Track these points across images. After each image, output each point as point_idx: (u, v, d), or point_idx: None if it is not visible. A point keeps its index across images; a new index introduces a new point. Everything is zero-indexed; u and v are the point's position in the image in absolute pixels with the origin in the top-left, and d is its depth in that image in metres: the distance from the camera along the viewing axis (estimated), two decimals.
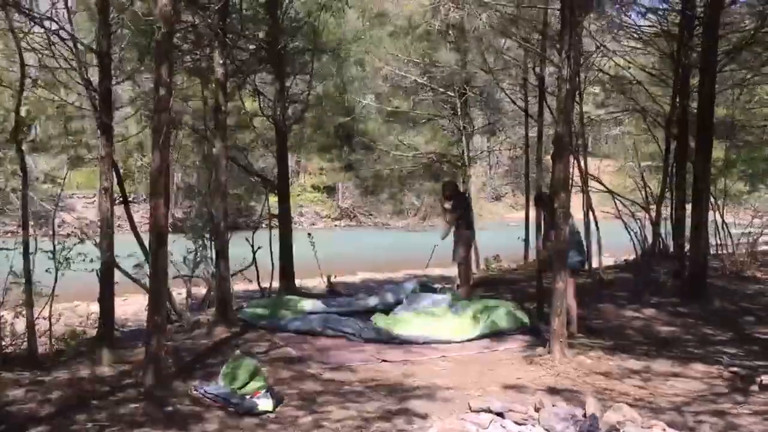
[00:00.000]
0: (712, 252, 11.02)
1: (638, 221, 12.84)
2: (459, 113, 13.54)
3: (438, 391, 5.07)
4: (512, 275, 11.95)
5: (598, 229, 10.74)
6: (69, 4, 6.93)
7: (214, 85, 8.13)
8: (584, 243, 7.61)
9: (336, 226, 37.22)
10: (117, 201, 7.29)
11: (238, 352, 5.12)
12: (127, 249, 7.59)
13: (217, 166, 7.93)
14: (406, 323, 6.97)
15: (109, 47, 6.76)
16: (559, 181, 6.11)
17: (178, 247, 8.88)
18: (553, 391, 5.00)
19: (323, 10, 10.12)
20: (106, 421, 4.40)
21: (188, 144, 11.80)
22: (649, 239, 12.42)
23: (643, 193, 13.08)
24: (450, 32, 13.01)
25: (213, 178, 8.31)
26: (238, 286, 10.07)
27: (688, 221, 9.38)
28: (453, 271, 11.07)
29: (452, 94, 13.65)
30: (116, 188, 7.15)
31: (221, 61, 7.86)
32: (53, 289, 6.31)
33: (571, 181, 7.34)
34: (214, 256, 8.61)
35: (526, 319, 7.16)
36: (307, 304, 8.08)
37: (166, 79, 5.01)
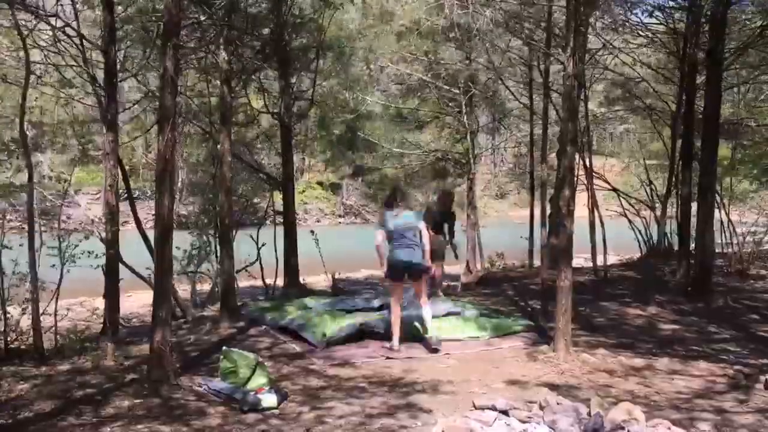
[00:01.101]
0: (717, 250, 10.98)
1: (643, 219, 12.82)
2: (464, 111, 13.53)
3: (442, 388, 5.08)
4: (516, 273, 11.96)
5: (603, 227, 10.73)
6: (75, 1, 6.95)
7: (219, 82, 8.16)
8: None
9: (340, 223, 37.29)
10: (122, 197, 7.33)
11: (225, 348, 5.11)
12: (132, 245, 7.62)
13: (222, 163, 7.95)
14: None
15: (115, 44, 6.79)
16: (563, 178, 6.09)
17: (182, 243, 8.92)
18: (557, 388, 4.99)
19: (328, 7, 10.12)
20: (111, 416, 4.42)
21: (194, 140, 11.83)
22: (654, 237, 12.40)
23: (648, 191, 13.06)
24: (455, 30, 12.98)
25: (218, 175, 8.34)
26: (243, 282, 10.09)
27: (694, 220, 9.36)
28: (456, 269, 11.09)
29: (457, 92, 13.63)
30: (121, 185, 7.19)
31: (226, 58, 7.88)
32: (58, 285, 6.33)
33: (576, 178, 7.34)
34: (218, 253, 8.65)
35: (529, 323, 7.19)
36: (311, 303, 8.10)
37: (171, 74, 5.02)
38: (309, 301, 8.35)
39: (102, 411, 4.52)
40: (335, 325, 6.57)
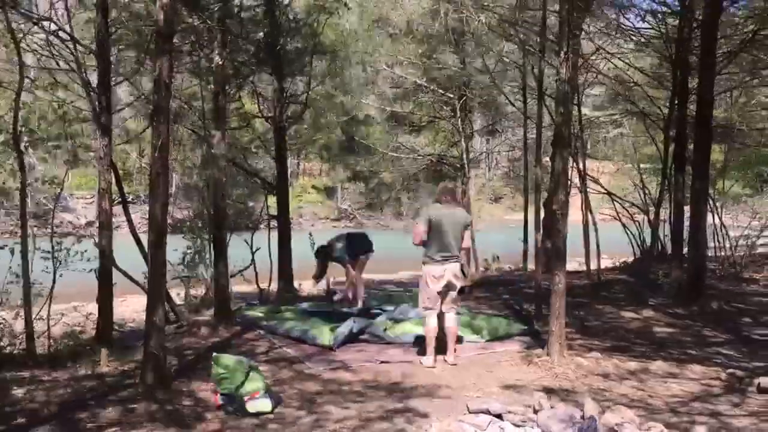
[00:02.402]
0: (710, 254, 11.03)
1: (637, 223, 12.86)
2: (459, 115, 13.56)
3: (437, 391, 5.08)
4: (511, 276, 11.97)
5: (596, 230, 10.76)
6: (68, 5, 6.94)
7: (213, 86, 8.15)
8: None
9: (335, 227, 37.22)
10: (116, 201, 7.30)
11: (215, 354, 5.08)
12: (125, 249, 7.59)
13: (216, 167, 7.94)
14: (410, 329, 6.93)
15: (109, 48, 6.78)
16: (556, 180, 6.11)
17: (176, 247, 8.88)
18: (551, 392, 5.00)
19: (322, 11, 10.13)
20: (106, 421, 4.40)
21: (188, 144, 11.80)
22: (648, 241, 12.44)
23: (642, 194, 13.10)
24: (450, 34, 13.03)
25: (212, 179, 8.32)
26: (237, 287, 10.06)
27: (687, 223, 9.40)
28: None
29: (452, 96, 13.67)
30: (115, 189, 7.17)
31: (220, 62, 7.87)
32: (51, 289, 6.30)
33: (569, 182, 7.35)
34: (212, 257, 8.62)
35: (524, 326, 7.19)
36: (306, 309, 8.11)
37: (165, 78, 5.02)
38: (304, 306, 8.35)
39: (97, 416, 4.49)
40: (332, 332, 6.61)
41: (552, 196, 6.27)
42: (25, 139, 6.59)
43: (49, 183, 7.14)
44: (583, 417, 4.04)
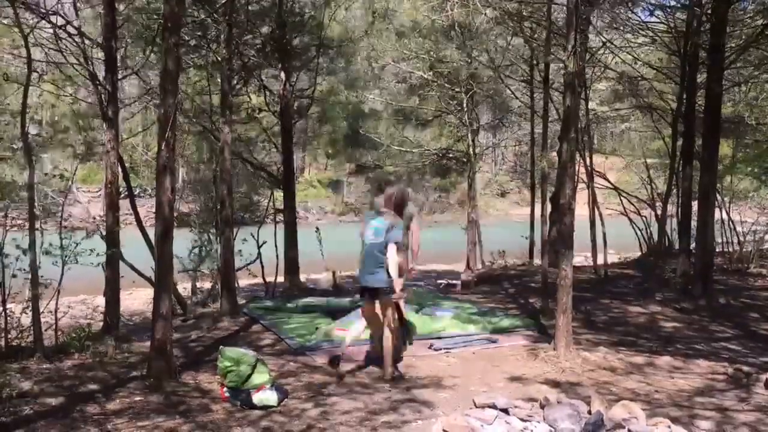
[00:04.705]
0: (717, 249, 10.99)
1: (644, 218, 12.82)
2: (465, 109, 13.53)
3: (443, 385, 5.09)
4: (516, 271, 11.95)
5: (603, 225, 10.73)
6: None
7: (220, 80, 8.16)
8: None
9: (341, 221, 37.28)
10: (122, 195, 7.33)
11: (221, 347, 5.08)
12: (132, 243, 7.62)
13: (223, 160, 7.96)
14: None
15: (116, 42, 6.79)
16: (563, 168, 6.09)
17: (183, 241, 8.93)
18: (558, 386, 5.00)
19: (328, 6, 10.13)
20: (114, 412, 4.43)
21: (194, 138, 11.83)
22: (655, 236, 12.40)
23: (649, 189, 13.06)
24: (456, 28, 12.97)
25: (219, 172, 8.34)
26: (243, 280, 10.09)
27: (695, 218, 9.36)
28: (459, 267, 11.06)
29: (458, 90, 13.62)
30: (122, 182, 7.19)
31: (227, 56, 7.88)
32: (59, 283, 6.33)
33: (576, 177, 7.33)
34: (219, 250, 8.66)
35: (530, 321, 7.19)
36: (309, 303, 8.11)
37: (172, 72, 5.02)
38: (308, 300, 8.35)
39: (105, 407, 4.52)
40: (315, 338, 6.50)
41: (559, 191, 6.25)
42: (32, 132, 6.61)
43: (59, 177, 7.16)
44: (589, 411, 4.04)
